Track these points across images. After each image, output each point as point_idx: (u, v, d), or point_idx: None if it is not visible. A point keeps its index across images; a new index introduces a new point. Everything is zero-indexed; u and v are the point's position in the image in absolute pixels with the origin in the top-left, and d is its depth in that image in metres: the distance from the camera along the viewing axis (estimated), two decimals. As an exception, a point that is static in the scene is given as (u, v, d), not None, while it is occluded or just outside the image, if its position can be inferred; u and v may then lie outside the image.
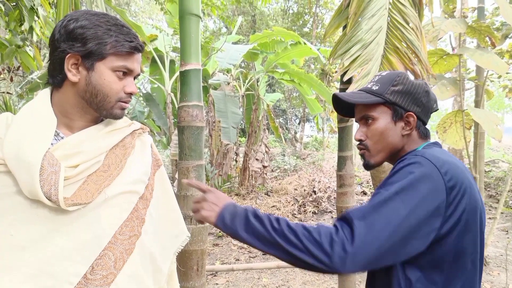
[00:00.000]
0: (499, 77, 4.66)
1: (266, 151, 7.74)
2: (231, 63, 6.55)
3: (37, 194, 0.74)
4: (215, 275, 3.86)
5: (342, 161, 2.48)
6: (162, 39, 6.26)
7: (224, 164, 7.02)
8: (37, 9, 2.62)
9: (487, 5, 5.37)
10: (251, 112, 7.98)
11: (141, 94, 7.63)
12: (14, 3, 2.56)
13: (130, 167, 0.90)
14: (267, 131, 8.05)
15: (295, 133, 17.04)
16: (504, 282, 3.63)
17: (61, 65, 0.81)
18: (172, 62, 6.63)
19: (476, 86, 4.03)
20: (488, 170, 8.42)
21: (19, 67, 3.50)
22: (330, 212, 6.57)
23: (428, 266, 0.83)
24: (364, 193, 7.69)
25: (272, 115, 8.11)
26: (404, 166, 0.84)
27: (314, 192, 7.22)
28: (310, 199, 6.98)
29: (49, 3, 2.93)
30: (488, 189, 7.72)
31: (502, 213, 6.38)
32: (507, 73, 3.24)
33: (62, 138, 0.84)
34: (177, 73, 5.86)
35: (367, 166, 1.01)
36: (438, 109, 1.00)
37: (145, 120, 8.20)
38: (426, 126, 0.99)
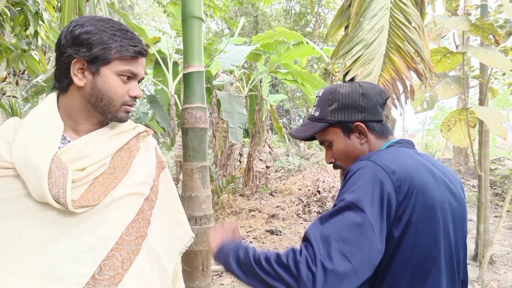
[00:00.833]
0: (503, 74, 4.63)
1: (269, 152, 7.75)
2: (233, 64, 6.56)
3: (45, 197, 0.75)
4: (220, 276, 3.87)
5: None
6: (165, 41, 6.27)
7: (228, 165, 7.03)
8: (41, 13, 2.66)
9: (490, 2, 5.34)
10: (254, 113, 7.97)
11: (145, 96, 7.65)
12: (19, 8, 2.60)
13: (135, 169, 0.92)
14: (270, 131, 8.05)
15: (299, 133, 16.95)
16: (511, 280, 3.60)
17: (67, 70, 0.83)
18: (175, 64, 6.65)
19: (480, 84, 4.01)
20: (493, 168, 8.36)
21: (24, 70, 3.55)
22: (334, 211, 6.55)
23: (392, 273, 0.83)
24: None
25: (276, 115, 8.10)
26: (353, 174, 0.85)
27: (319, 191, 7.22)
28: (315, 199, 6.98)
29: (54, 8, 2.96)
30: (494, 187, 7.67)
31: (508, 211, 6.33)
32: (511, 70, 3.22)
33: (69, 141, 0.85)
34: (181, 75, 5.87)
35: None
36: (388, 97, 1.00)
37: (149, 122, 8.23)
38: (383, 122, 0.98)
